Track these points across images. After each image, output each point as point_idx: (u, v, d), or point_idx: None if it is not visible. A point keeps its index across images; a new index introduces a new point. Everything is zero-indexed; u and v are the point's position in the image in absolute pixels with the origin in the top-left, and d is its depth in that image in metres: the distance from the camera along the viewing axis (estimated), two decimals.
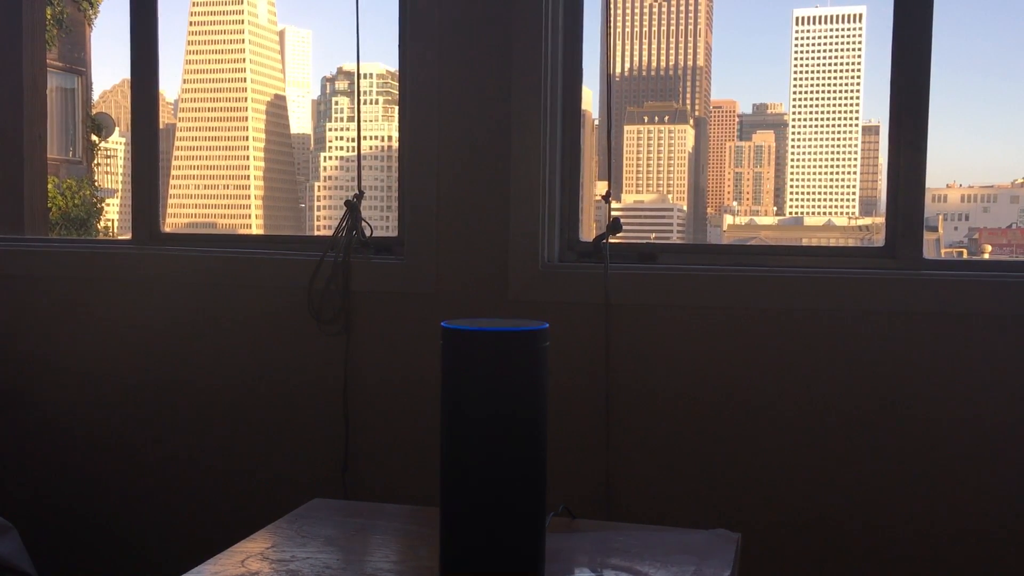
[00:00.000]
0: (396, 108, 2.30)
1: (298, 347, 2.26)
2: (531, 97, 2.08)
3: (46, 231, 2.91)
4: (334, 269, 2.20)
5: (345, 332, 2.20)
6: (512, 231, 2.10)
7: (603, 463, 2.06)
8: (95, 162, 11.26)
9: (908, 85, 2.00)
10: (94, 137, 11.06)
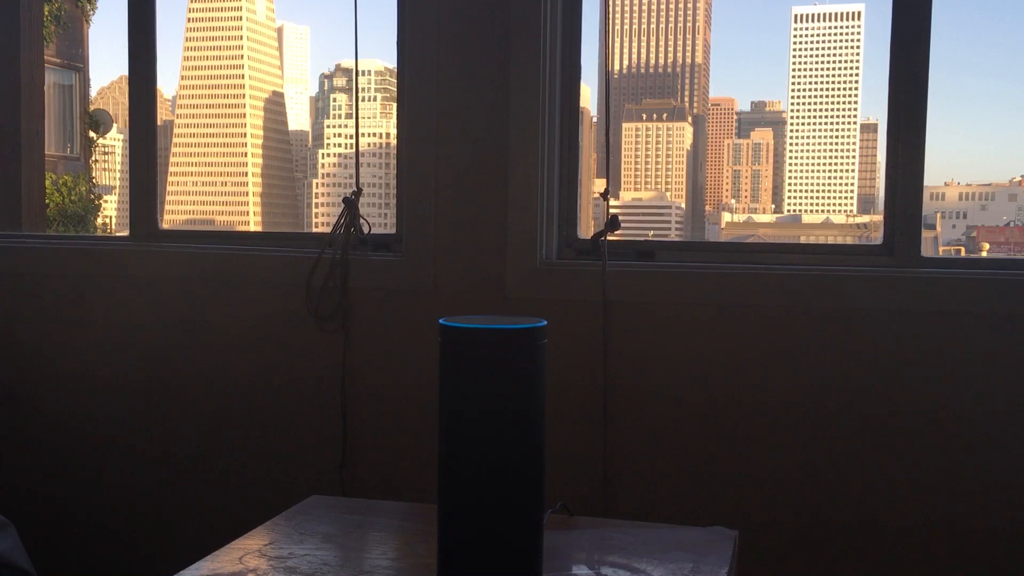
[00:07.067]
0: (395, 105, 2.30)
1: (296, 344, 2.25)
2: (530, 94, 2.08)
3: (43, 228, 2.91)
4: (332, 266, 2.20)
5: (343, 329, 2.20)
6: (510, 228, 2.10)
7: (601, 460, 2.06)
8: (93, 158, 11.23)
9: (906, 83, 2.00)
10: (92, 133, 11.03)
